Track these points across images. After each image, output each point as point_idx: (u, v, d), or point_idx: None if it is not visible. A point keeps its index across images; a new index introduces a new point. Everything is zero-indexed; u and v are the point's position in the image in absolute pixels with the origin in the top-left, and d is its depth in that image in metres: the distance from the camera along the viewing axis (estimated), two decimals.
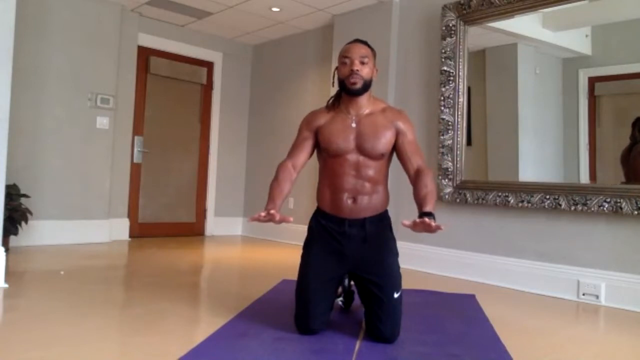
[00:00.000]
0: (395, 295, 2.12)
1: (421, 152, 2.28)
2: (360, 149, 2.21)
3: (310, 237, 2.30)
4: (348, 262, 2.20)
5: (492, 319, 2.63)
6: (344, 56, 2.23)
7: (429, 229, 1.87)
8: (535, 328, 2.59)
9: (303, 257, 2.26)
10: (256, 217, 1.97)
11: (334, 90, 2.37)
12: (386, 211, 2.30)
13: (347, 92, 2.24)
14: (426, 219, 1.87)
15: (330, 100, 2.36)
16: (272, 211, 1.99)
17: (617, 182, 3.29)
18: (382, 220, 2.26)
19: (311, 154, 2.35)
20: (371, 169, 2.22)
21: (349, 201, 2.21)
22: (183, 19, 5.49)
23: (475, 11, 3.87)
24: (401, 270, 2.21)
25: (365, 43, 2.28)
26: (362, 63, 2.20)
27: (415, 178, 2.19)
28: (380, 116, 2.26)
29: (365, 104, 2.26)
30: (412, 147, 2.25)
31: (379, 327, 2.11)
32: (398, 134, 2.24)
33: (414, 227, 1.90)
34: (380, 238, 2.23)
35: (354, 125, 2.24)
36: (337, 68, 2.28)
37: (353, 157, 2.22)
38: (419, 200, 2.09)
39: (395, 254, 2.23)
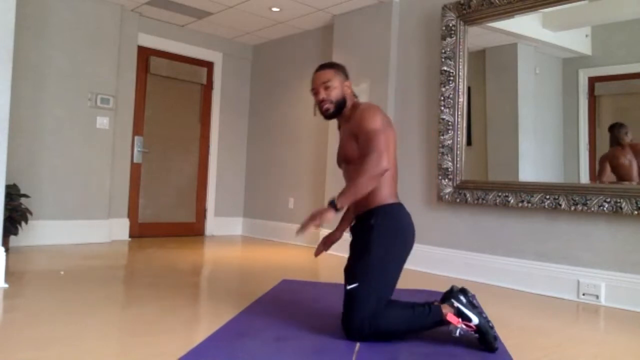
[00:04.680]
0: (348, 287, 2.14)
1: (373, 142, 2.14)
2: (340, 158, 2.40)
3: None
4: None
5: (492, 319, 2.62)
6: (311, 88, 2.38)
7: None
8: (535, 328, 2.59)
9: None
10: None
11: (316, 118, 2.50)
12: (379, 207, 2.22)
13: (325, 118, 2.40)
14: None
15: None
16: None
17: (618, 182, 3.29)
18: (370, 217, 2.21)
19: None
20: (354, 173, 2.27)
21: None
22: (183, 19, 5.49)
23: (475, 11, 3.87)
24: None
25: (327, 66, 2.39)
26: (327, 88, 2.31)
27: None
28: (349, 123, 2.32)
29: (349, 116, 2.33)
30: (363, 142, 2.18)
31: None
32: (357, 135, 2.23)
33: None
34: (360, 233, 2.27)
35: (339, 137, 2.44)
36: None
37: (343, 165, 2.40)
38: None
39: (369, 249, 2.15)
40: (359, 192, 2.12)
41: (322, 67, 2.39)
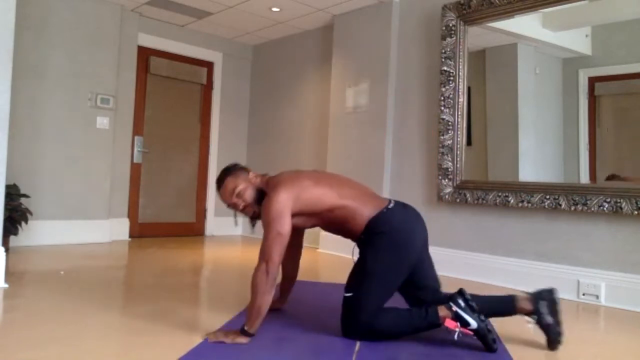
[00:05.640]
0: (345, 294, 2.18)
1: (262, 246, 2.09)
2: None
3: None
4: None
5: (492, 319, 2.62)
6: (227, 206, 2.32)
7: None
8: (535, 328, 2.59)
9: None
10: None
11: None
12: (367, 226, 2.21)
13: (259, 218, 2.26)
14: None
15: None
16: None
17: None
18: (364, 235, 2.24)
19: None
20: (325, 226, 2.36)
21: None
22: (183, 19, 5.49)
23: (475, 11, 3.86)
24: None
25: (223, 177, 2.29)
26: (239, 195, 2.24)
27: None
28: None
29: None
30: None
31: None
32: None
33: None
34: (362, 249, 2.28)
35: None
36: None
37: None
38: None
39: (366, 261, 2.19)
40: (262, 312, 2.06)
41: (219, 182, 2.31)
